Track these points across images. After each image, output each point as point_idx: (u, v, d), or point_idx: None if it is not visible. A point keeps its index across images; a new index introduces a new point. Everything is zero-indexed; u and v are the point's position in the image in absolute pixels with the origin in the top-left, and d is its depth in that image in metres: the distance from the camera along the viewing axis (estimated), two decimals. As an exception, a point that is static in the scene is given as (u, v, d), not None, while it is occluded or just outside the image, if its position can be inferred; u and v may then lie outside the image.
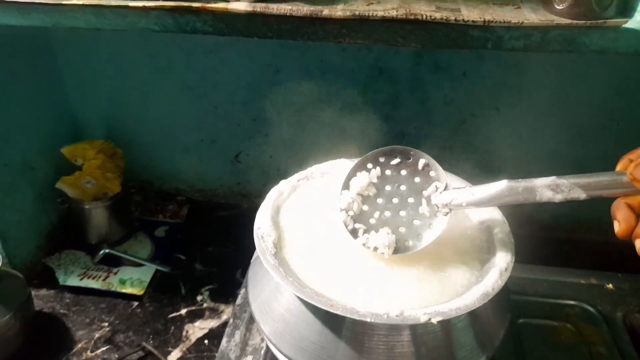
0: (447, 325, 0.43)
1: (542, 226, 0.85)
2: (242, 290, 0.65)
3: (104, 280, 0.78)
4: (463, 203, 0.45)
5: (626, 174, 0.37)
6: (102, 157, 0.81)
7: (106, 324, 0.73)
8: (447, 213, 0.46)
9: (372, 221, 0.47)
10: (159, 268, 0.80)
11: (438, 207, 0.46)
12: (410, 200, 0.47)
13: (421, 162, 0.48)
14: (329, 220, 0.49)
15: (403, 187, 0.48)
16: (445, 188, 0.46)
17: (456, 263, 0.47)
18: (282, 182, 0.54)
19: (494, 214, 0.52)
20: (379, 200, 0.48)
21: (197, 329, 0.72)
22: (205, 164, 0.93)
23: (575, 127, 0.77)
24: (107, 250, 0.81)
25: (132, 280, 0.78)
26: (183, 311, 0.75)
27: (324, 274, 0.44)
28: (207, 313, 0.75)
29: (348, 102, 0.80)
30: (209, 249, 0.86)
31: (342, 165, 0.57)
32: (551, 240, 0.82)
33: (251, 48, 0.78)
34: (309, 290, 0.42)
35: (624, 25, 0.51)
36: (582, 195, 0.40)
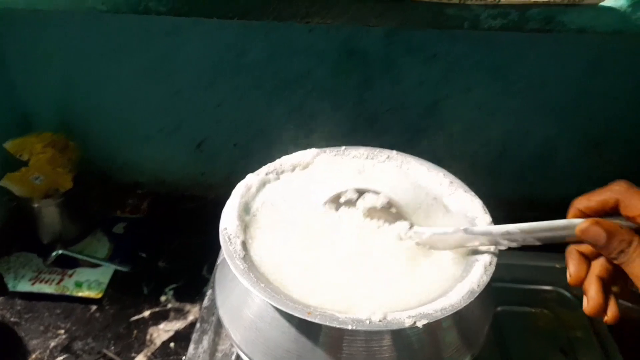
0: (431, 326, 0.40)
1: (517, 207, 0.84)
2: (209, 291, 0.61)
3: (58, 283, 0.72)
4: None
5: (576, 223, 0.37)
6: (51, 151, 0.74)
7: (62, 331, 0.67)
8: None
9: None
10: (118, 268, 0.75)
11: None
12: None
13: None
14: (303, 218, 0.45)
15: None
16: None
17: (438, 257, 0.45)
18: (250, 176, 0.50)
19: (475, 202, 0.49)
20: None
21: (162, 332, 0.68)
22: (167, 153, 0.87)
23: (550, 107, 0.76)
24: (60, 251, 0.75)
25: (90, 283, 0.73)
26: (146, 313, 0.70)
27: (298, 276, 0.41)
28: (172, 314, 0.70)
29: (318, 85, 0.76)
30: (173, 245, 0.81)
31: (313, 155, 0.53)
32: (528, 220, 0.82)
33: (213, 29, 0.72)
34: (283, 297, 0.38)
35: (602, 4, 0.49)
36: (536, 243, 0.40)
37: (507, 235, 0.41)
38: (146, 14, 0.49)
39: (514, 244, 0.42)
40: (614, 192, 0.38)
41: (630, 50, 0.70)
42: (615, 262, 0.37)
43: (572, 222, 0.38)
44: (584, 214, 0.39)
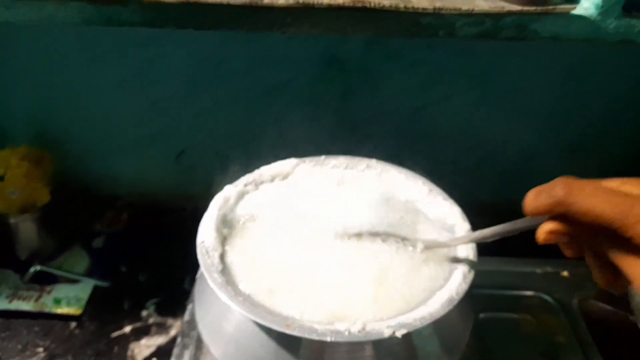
0: (411, 335, 0.40)
1: (498, 212, 0.84)
2: (190, 305, 0.60)
3: (36, 300, 0.70)
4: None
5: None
6: (26, 165, 0.73)
7: (41, 349, 0.66)
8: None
9: None
10: (98, 283, 0.73)
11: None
12: None
13: None
14: (281, 230, 0.45)
15: None
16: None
17: (417, 264, 0.45)
18: (228, 188, 0.49)
19: (453, 210, 0.50)
20: None
21: (143, 347, 0.67)
22: (145, 165, 0.86)
23: (528, 113, 0.77)
24: (38, 268, 0.73)
25: (69, 299, 0.71)
26: (127, 329, 0.69)
27: (277, 289, 0.41)
28: (153, 329, 0.69)
29: (298, 94, 0.76)
30: (153, 258, 0.80)
31: (292, 165, 0.53)
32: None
33: (190, 39, 0.72)
34: (262, 310, 0.38)
35: (574, 12, 0.51)
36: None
37: (478, 237, 0.43)
38: (120, 26, 0.49)
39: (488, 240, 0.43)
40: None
41: (605, 57, 0.71)
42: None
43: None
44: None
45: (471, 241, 0.45)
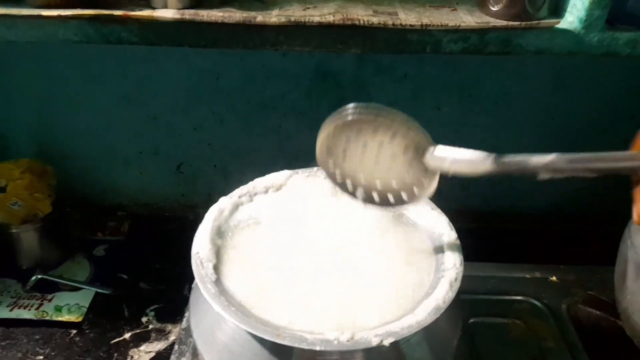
0: (399, 343, 0.41)
1: (487, 220, 0.86)
2: (187, 313, 0.62)
3: (37, 308, 0.72)
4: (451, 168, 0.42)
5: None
6: (29, 177, 0.74)
7: (41, 357, 0.67)
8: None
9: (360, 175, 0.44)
10: (99, 290, 0.75)
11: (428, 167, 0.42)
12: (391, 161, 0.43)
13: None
14: (275, 240, 0.46)
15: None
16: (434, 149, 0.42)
17: (405, 273, 0.46)
18: (223, 199, 0.51)
19: (440, 219, 0.51)
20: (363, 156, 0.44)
21: (142, 353, 0.68)
22: (147, 176, 0.88)
23: (515, 123, 0.78)
24: (39, 276, 0.75)
25: (70, 307, 0.73)
26: (127, 335, 0.70)
27: (269, 298, 0.42)
28: (153, 335, 0.71)
29: (293, 107, 0.78)
30: (154, 266, 0.81)
31: (285, 177, 0.55)
32: (499, 232, 0.84)
33: (189, 55, 0.74)
34: (254, 320, 0.39)
35: (557, 26, 0.52)
36: (589, 174, 0.37)
37: (550, 166, 0.37)
38: (118, 44, 0.51)
39: (559, 175, 0.38)
40: None
41: (591, 67, 0.73)
42: None
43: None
44: None
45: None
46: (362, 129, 0.42)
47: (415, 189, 0.43)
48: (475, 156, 0.41)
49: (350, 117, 0.42)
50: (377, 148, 0.42)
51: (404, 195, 0.44)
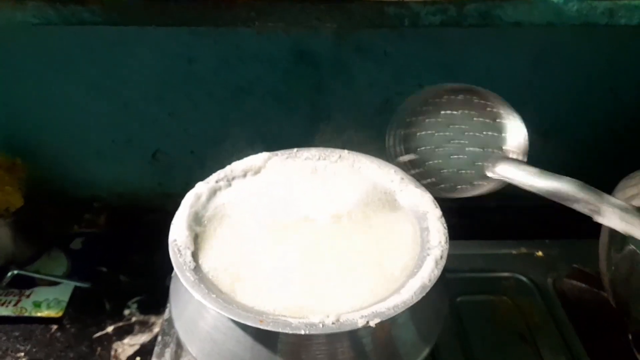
0: (386, 324, 0.41)
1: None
2: (169, 303, 0.60)
3: (15, 305, 0.70)
4: (517, 181, 0.46)
5: None
6: (-3, 171, 0.72)
7: (22, 354, 0.65)
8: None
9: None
10: (78, 284, 0.73)
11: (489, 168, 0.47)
12: (467, 148, 0.48)
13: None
14: (254, 224, 0.45)
15: (465, 132, 0.47)
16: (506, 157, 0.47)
17: (390, 252, 0.45)
18: (199, 185, 0.49)
19: (425, 197, 0.50)
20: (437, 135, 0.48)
21: (126, 347, 0.67)
22: (122, 165, 0.85)
23: (498, 100, 0.77)
24: (15, 272, 0.72)
25: (49, 302, 0.71)
26: (109, 329, 0.69)
27: (251, 285, 0.41)
28: (136, 327, 0.69)
29: (270, 90, 0.76)
30: (134, 257, 0.79)
31: (264, 159, 0.53)
32: (483, 210, 0.83)
33: (159, 38, 0.71)
34: (236, 307, 0.38)
35: (533, -4, 0.51)
36: None
37: (622, 214, 0.39)
38: (81, 25, 0.48)
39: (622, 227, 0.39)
40: None
41: (571, 42, 0.72)
42: None
43: None
44: None
45: None
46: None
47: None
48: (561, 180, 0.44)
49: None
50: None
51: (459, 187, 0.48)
